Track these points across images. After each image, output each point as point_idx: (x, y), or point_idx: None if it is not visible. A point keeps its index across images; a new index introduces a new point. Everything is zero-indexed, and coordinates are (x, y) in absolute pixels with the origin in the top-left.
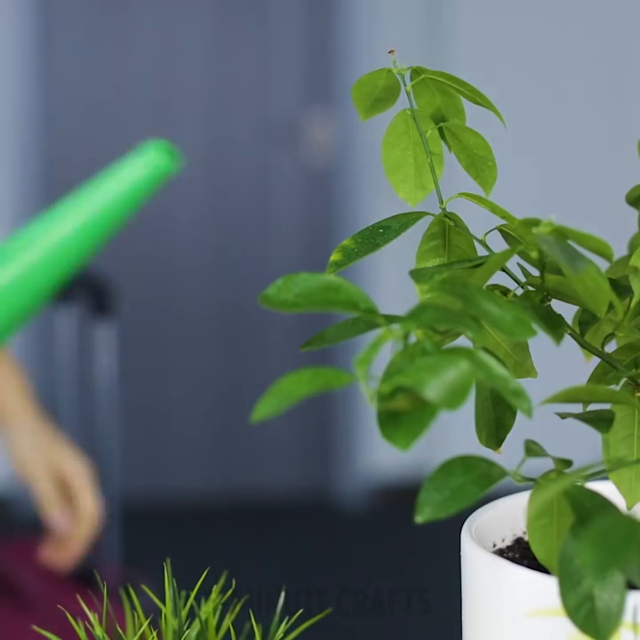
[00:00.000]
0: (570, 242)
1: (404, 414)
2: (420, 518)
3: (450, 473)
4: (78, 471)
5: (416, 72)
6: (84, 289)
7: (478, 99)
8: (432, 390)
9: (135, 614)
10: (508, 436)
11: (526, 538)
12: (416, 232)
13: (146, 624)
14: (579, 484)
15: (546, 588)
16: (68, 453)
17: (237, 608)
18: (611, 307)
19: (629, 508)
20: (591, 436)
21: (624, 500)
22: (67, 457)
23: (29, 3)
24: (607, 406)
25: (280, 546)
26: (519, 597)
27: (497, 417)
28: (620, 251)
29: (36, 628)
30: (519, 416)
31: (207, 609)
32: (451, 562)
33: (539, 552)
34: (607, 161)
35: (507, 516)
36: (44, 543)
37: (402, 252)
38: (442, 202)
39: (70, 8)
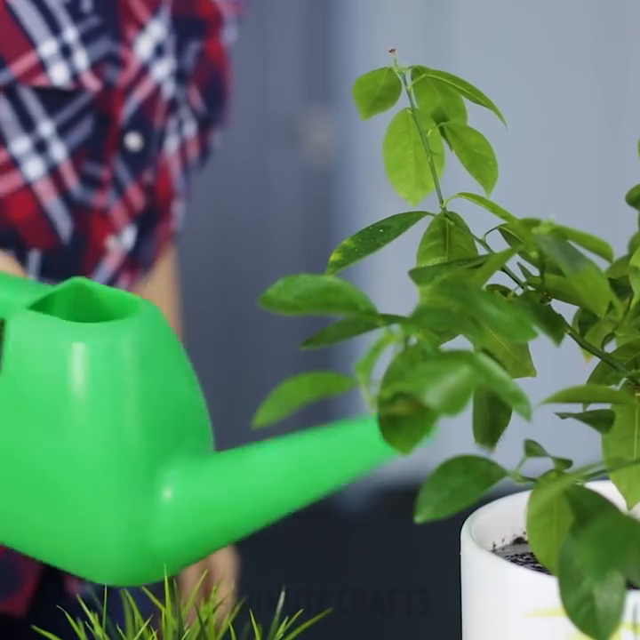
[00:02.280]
0: (570, 242)
1: (405, 419)
2: (419, 518)
3: (449, 473)
4: None
5: (417, 71)
6: None
7: (479, 98)
8: (432, 396)
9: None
10: (508, 437)
11: (526, 538)
12: (416, 232)
13: (146, 624)
14: (578, 484)
15: (546, 587)
16: None
17: (237, 608)
18: (611, 307)
19: (629, 508)
20: (591, 435)
21: (624, 500)
22: None
23: None
24: (607, 406)
25: (280, 546)
26: (519, 597)
27: (492, 416)
28: (619, 251)
29: (36, 628)
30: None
31: (207, 609)
32: (451, 562)
33: (539, 552)
34: (607, 161)
35: (506, 516)
36: None
37: (402, 252)
38: (442, 201)
39: None
